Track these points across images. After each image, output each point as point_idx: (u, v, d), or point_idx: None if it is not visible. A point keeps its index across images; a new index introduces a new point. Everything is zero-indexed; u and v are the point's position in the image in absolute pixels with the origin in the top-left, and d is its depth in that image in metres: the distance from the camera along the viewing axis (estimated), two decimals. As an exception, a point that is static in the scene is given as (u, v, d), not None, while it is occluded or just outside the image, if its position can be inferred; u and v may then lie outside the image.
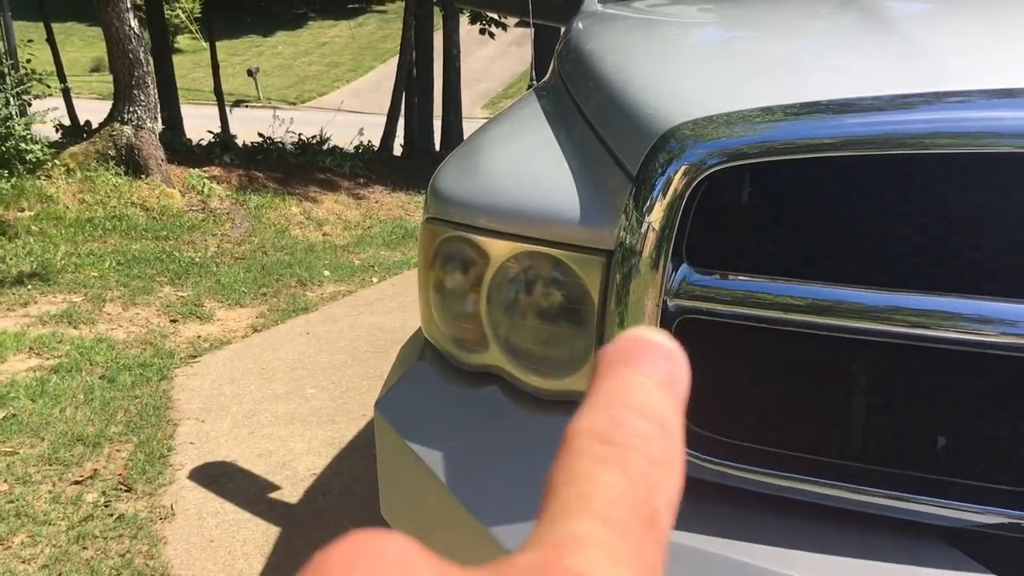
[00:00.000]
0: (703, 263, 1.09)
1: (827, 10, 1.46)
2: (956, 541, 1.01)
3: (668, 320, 1.09)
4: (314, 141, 11.03)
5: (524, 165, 1.36)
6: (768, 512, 1.07)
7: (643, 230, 1.07)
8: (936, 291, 0.99)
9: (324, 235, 7.45)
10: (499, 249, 1.25)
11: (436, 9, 14.47)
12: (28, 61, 7.74)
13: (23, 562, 2.41)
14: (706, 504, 1.09)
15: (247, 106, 13.66)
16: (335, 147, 11.14)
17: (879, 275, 1.03)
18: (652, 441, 0.24)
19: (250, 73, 22.87)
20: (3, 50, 8.61)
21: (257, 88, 23.22)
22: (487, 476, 1.18)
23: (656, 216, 1.06)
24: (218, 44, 12.62)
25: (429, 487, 1.23)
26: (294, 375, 3.94)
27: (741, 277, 1.07)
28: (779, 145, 1.03)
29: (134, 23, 6.88)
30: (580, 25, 1.83)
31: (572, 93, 1.51)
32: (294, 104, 23.94)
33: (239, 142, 10.36)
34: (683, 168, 1.04)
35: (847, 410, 1.08)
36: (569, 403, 1.21)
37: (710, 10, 1.85)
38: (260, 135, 10.45)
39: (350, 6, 33.65)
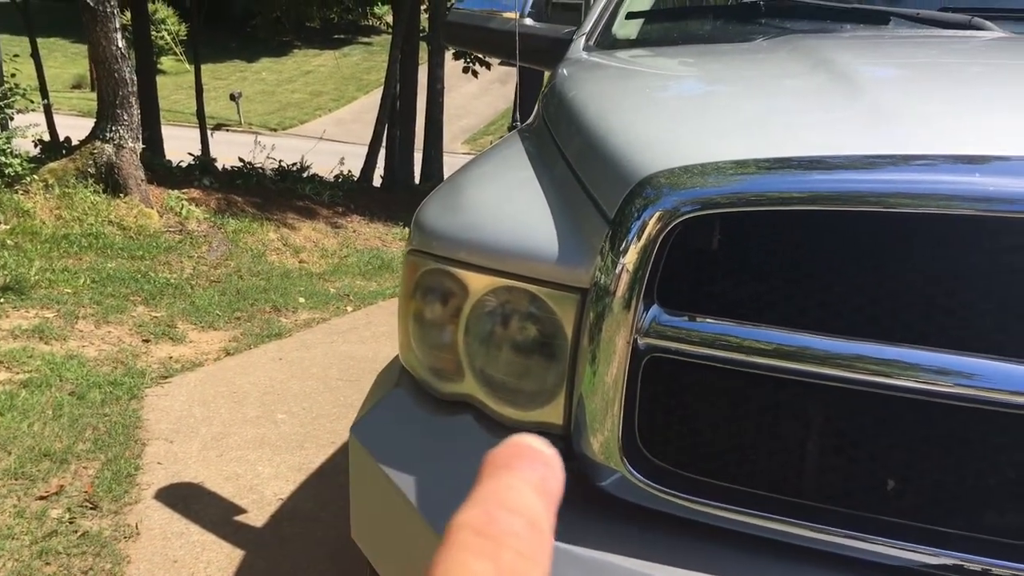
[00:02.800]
0: (674, 305, 1.14)
1: (799, 70, 1.53)
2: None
3: (638, 358, 1.14)
4: (294, 168, 11.07)
5: (505, 203, 1.41)
6: (724, 546, 1.12)
7: (617, 271, 1.12)
8: (895, 342, 1.05)
9: (300, 262, 7.47)
10: (478, 283, 1.30)
11: (422, 44, 14.62)
12: (13, 75, 7.74)
13: (-16, 576, 2.40)
14: (671, 537, 1.14)
15: (228, 130, 13.69)
16: (315, 175, 11.19)
17: (839, 323, 1.09)
18: (522, 537, 0.28)
19: (232, 98, 22.90)
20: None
21: (239, 113, 23.25)
22: (459, 503, 1.22)
23: (630, 258, 1.11)
24: (202, 67, 12.66)
25: (401, 512, 1.26)
26: (265, 400, 3.95)
27: (709, 320, 1.12)
28: (749, 197, 1.09)
29: (122, 43, 6.92)
30: (565, 71, 1.90)
31: (555, 136, 1.57)
32: (275, 131, 23.95)
33: (219, 166, 10.38)
34: (657, 214, 1.10)
35: (806, 450, 1.14)
36: (542, 433, 1.25)
37: (690, 64, 1.93)
38: (240, 160, 10.48)
39: (336, 36, 33.82)
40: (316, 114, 27.05)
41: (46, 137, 8.81)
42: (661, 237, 1.09)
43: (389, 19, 19.74)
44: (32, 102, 7.86)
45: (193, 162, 10.14)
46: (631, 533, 1.15)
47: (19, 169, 6.66)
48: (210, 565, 2.57)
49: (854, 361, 1.05)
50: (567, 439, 1.22)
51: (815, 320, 1.09)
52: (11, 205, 6.43)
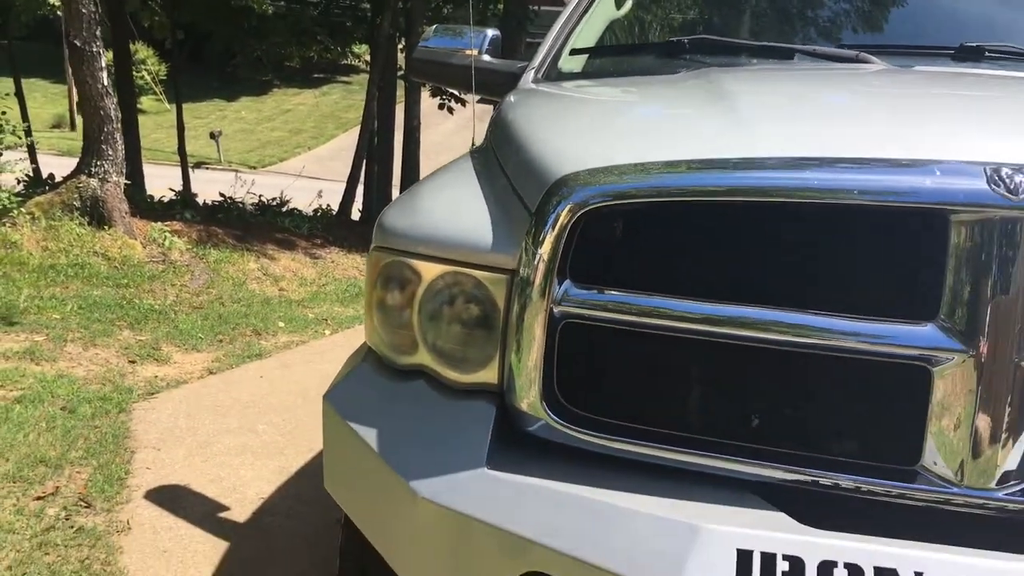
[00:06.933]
0: (587, 280, 1.41)
1: (702, 97, 1.83)
2: (766, 493, 1.33)
3: (554, 324, 1.41)
4: (274, 203, 11.34)
5: (453, 207, 1.70)
6: (630, 473, 1.39)
7: (537, 254, 1.40)
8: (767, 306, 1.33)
9: (280, 290, 7.71)
10: (429, 271, 1.58)
11: (400, 82, 14.98)
12: (3, 113, 7.99)
13: (-10, 562, 2.62)
14: (584, 467, 1.40)
15: (208, 168, 13.97)
16: (294, 209, 11.46)
17: (718, 291, 1.36)
18: None
19: (212, 136, 23.19)
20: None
21: (219, 151, 23.51)
22: (411, 445, 1.49)
23: (547, 243, 1.39)
24: (183, 106, 12.95)
25: (366, 459, 1.53)
26: (247, 412, 4.19)
27: (613, 291, 1.39)
28: (651, 191, 1.37)
29: (107, 81, 7.21)
30: (512, 99, 2.20)
31: (496, 153, 1.86)
32: (255, 168, 24.14)
33: (199, 201, 10.64)
34: (569, 207, 1.38)
35: (689, 394, 1.42)
36: (479, 392, 1.52)
37: (617, 91, 2.23)
38: (221, 194, 10.75)
39: (315, 75, 34.27)
40: (295, 152, 27.30)
41: (30, 174, 9.04)
42: (570, 224, 1.37)
43: (368, 58, 20.16)
44: (20, 139, 8.11)
45: (175, 197, 10.39)
46: (554, 464, 1.41)
47: (6, 203, 6.90)
48: (197, 554, 2.80)
49: (732, 321, 1.33)
50: (502, 395, 1.49)
51: (700, 289, 1.37)
52: (-1, 237, 6.66)
